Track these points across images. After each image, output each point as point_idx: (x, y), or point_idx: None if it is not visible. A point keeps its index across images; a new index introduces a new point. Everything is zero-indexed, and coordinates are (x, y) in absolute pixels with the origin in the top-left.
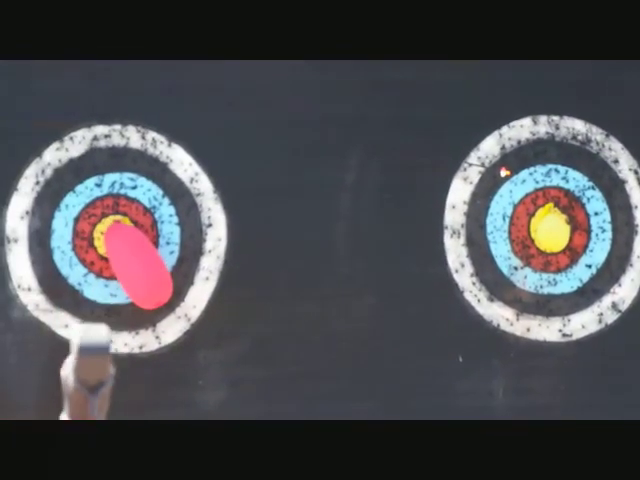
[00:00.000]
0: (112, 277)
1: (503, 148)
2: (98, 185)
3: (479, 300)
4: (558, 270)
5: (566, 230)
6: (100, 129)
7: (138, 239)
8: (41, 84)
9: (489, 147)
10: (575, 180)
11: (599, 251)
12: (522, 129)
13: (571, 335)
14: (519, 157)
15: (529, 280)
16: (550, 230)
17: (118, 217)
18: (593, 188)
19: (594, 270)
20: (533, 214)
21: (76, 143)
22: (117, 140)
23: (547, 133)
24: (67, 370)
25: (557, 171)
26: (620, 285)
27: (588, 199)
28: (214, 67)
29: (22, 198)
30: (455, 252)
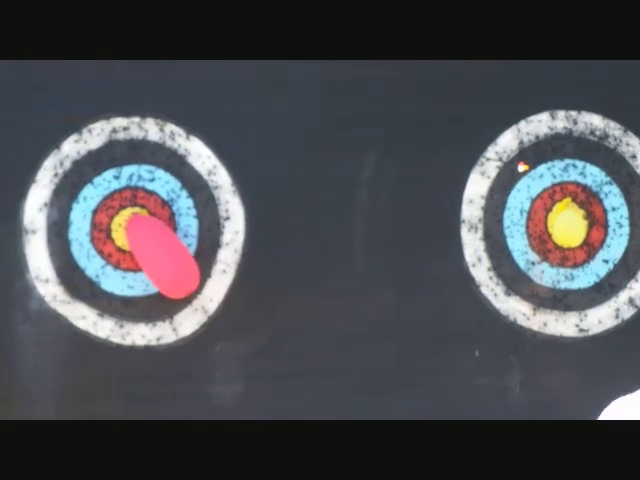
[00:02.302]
0: (129, 269)
1: (521, 143)
2: (116, 177)
3: (496, 295)
4: (575, 265)
5: (583, 225)
6: (119, 121)
7: (161, 229)
8: (59, 76)
9: (507, 142)
10: (593, 175)
11: (616, 246)
12: (540, 124)
13: (588, 330)
14: (537, 152)
15: (546, 275)
16: (567, 225)
17: (136, 209)
18: (610, 183)
19: (611, 265)
20: (550, 209)
21: (94, 135)
22: (135, 132)
23: (565, 128)
24: None
25: (575, 166)
26: (637, 280)
27: (606, 194)
28: (232, 62)
29: (40, 190)
30: (472, 246)
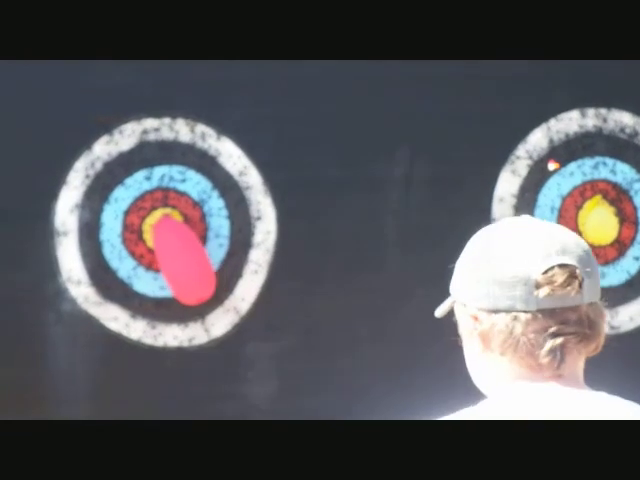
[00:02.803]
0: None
1: (551, 141)
2: (147, 178)
3: None
4: (606, 262)
5: (614, 222)
6: (149, 122)
7: (186, 234)
8: (91, 78)
9: (537, 140)
10: (623, 173)
11: None
12: (570, 122)
13: (619, 327)
14: (567, 150)
15: None
16: (598, 222)
17: (167, 210)
18: None
19: None
20: (581, 207)
21: (125, 136)
22: (166, 133)
23: (595, 126)
24: None
25: (605, 164)
26: None
27: (636, 192)
28: (263, 62)
29: (72, 191)
30: None
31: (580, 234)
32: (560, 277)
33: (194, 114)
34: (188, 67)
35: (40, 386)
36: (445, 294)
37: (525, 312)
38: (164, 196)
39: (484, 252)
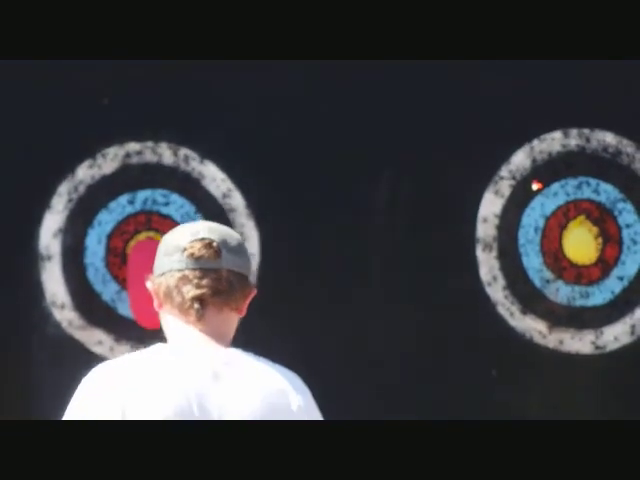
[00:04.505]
0: None
1: (534, 161)
2: (131, 202)
3: (512, 313)
4: (590, 282)
5: (594, 242)
6: (132, 146)
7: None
8: (73, 102)
9: (520, 160)
10: (606, 192)
11: (631, 263)
12: (553, 142)
13: (604, 347)
14: (550, 170)
15: (561, 292)
16: (578, 242)
17: (151, 234)
18: (624, 200)
19: (626, 282)
20: (565, 226)
21: (108, 160)
22: (149, 157)
23: (578, 146)
24: None
25: (588, 184)
26: None
27: (619, 211)
28: (246, 85)
29: (55, 216)
30: (487, 265)
31: (563, 254)
32: (199, 244)
33: (177, 138)
34: (171, 91)
35: (24, 410)
36: (428, 314)
37: (178, 271)
38: (147, 219)
39: (165, 239)
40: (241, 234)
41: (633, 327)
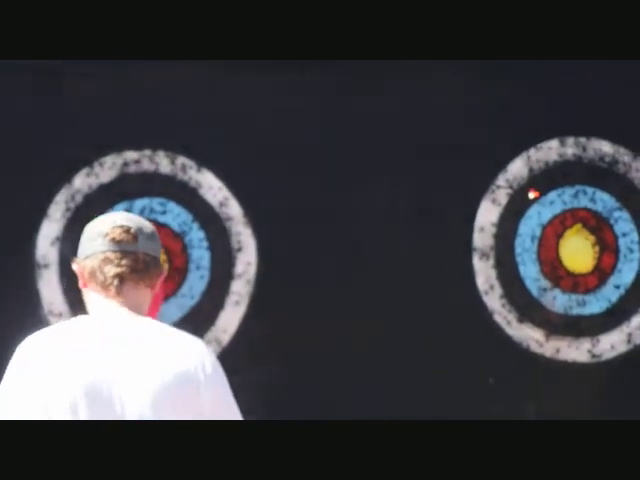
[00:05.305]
0: None
1: (531, 170)
2: (128, 210)
3: (509, 322)
4: (587, 291)
5: (591, 250)
6: (130, 154)
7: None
8: (71, 111)
9: (517, 169)
10: (603, 201)
11: (627, 271)
12: (550, 151)
13: (600, 356)
14: (547, 179)
15: (558, 301)
16: (574, 250)
17: None
18: (621, 209)
19: (622, 290)
20: (562, 235)
21: (106, 169)
22: (147, 165)
23: (574, 155)
24: None
25: (585, 192)
26: None
27: (616, 220)
28: (243, 93)
29: (52, 224)
30: (484, 274)
31: (560, 262)
32: (119, 230)
33: (174, 146)
34: (169, 99)
35: None
36: (425, 323)
37: (101, 252)
38: None
39: (87, 227)
40: (238, 242)
41: (629, 335)
